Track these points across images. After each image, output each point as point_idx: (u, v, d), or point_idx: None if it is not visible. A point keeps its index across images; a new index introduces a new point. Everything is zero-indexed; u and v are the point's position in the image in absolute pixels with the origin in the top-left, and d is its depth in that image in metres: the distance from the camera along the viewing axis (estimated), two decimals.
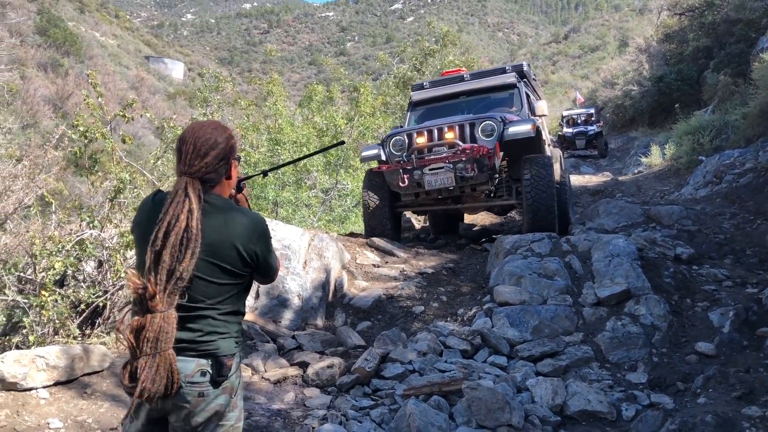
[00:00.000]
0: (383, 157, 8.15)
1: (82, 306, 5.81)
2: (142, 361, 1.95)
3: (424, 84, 9.95)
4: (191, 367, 2.09)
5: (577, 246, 6.75)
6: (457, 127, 7.81)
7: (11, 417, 3.99)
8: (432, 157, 7.71)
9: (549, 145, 10.08)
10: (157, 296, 1.96)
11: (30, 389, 4.26)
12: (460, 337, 5.42)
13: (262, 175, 2.98)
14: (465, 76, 9.69)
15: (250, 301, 6.09)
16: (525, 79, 9.63)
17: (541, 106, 8.69)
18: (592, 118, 24.39)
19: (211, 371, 2.12)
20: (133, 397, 2.00)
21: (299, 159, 3.31)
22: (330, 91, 15.72)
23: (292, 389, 4.84)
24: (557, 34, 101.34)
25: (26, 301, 5.72)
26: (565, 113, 26.01)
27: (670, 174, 15.06)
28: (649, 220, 9.46)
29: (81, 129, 5.78)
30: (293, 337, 5.71)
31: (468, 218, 11.83)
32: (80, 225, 6.21)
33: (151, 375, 1.95)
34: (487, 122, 7.77)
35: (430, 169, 7.62)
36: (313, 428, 4.24)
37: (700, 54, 23.87)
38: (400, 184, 7.73)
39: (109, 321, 6.06)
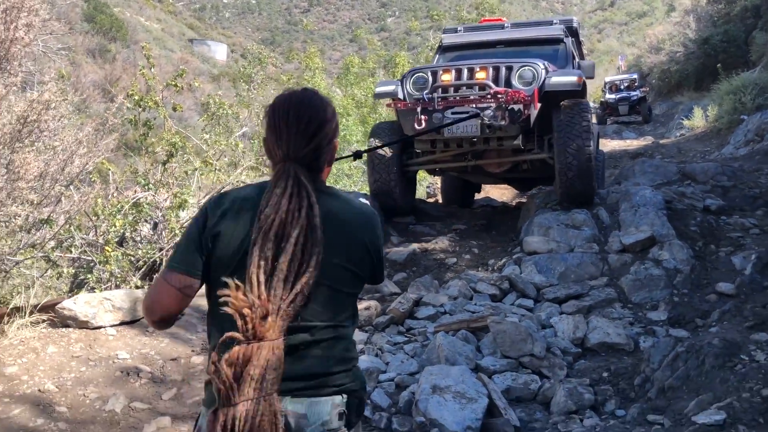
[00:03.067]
0: (400, 95, 7.03)
1: (140, 263, 6.35)
2: (242, 409, 1.45)
3: (458, 28, 8.91)
4: (326, 410, 1.61)
5: (605, 198, 6.98)
6: (491, 68, 6.76)
7: (85, 349, 4.51)
8: (458, 98, 6.74)
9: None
10: (269, 318, 1.50)
11: (99, 327, 4.77)
12: (489, 282, 5.76)
13: (353, 157, 2.70)
14: (506, 24, 8.76)
15: None
16: (573, 38, 8.61)
17: (589, 66, 7.82)
18: (635, 84, 24.12)
19: (347, 411, 1.67)
20: None
21: (400, 140, 3.18)
22: (366, 62, 16.03)
23: None
24: (603, 0, 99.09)
25: (90, 258, 6.28)
26: (607, 79, 25.76)
27: (712, 135, 14.96)
28: (684, 178, 9.56)
29: (136, 98, 6.27)
30: None
31: (484, 193, 10.92)
32: (135, 190, 6.75)
33: (255, 427, 1.46)
34: (527, 67, 6.77)
35: (453, 113, 6.61)
36: None
37: (749, 14, 23.31)
38: (416, 126, 6.65)
39: None
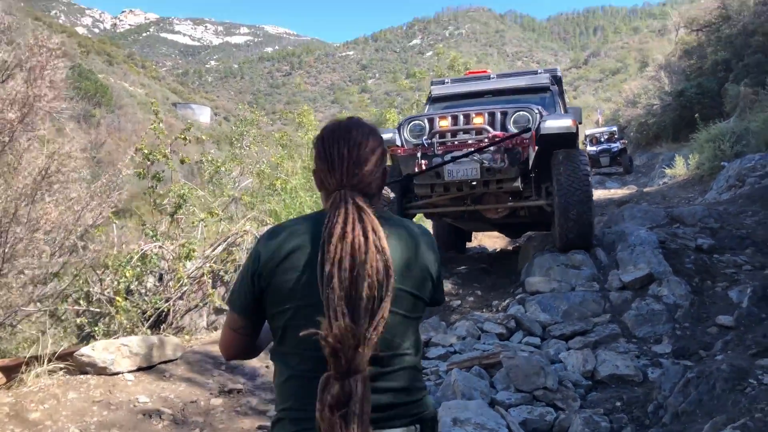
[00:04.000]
0: (398, 142, 7.10)
1: (148, 313, 6.42)
2: None
3: (446, 80, 9.13)
4: None
5: (601, 239, 7.20)
6: (486, 114, 6.86)
7: (105, 394, 4.56)
8: (456, 143, 6.81)
9: None
10: (360, 349, 1.44)
11: (116, 373, 4.83)
12: (496, 322, 5.89)
13: (402, 181, 2.54)
14: (492, 75, 8.97)
15: None
16: (557, 86, 8.79)
17: (577, 111, 7.85)
18: (615, 136, 24.83)
19: None
20: None
21: (472, 152, 3.24)
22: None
23: None
24: (577, 59, 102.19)
25: (97, 310, 6.35)
26: (587, 132, 26.45)
27: (694, 182, 15.38)
28: (673, 221, 9.83)
29: (145, 151, 6.45)
30: None
31: (476, 241, 10.96)
32: (139, 243, 6.85)
33: None
34: (521, 112, 6.87)
35: (452, 157, 6.67)
36: None
37: (720, 67, 24.25)
38: (416, 170, 6.77)
39: (172, 326, 6.64)
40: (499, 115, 6.89)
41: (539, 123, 6.81)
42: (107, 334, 6.09)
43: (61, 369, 4.86)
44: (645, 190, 16.90)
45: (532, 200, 7.22)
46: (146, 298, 6.39)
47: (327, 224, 1.56)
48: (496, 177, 6.76)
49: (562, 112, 8.08)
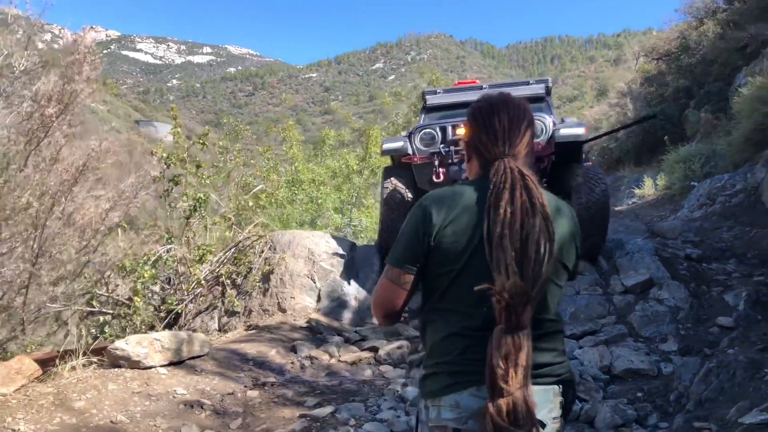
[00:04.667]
0: (409, 151, 7.08)
1: (162, 314, 6.49)
2: (520, 395, 1.51)
3: (438, 90, 9.00)
4: (549, 398, 1.70)
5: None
6: None
7: (143, 386, 4.63)
8: None
9: None
10: (528, 307, 1.55)
11: (149, 367, 4.90)
12: None
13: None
14: (483, 86, 8.82)
15: (312, 303, 6.77)
16: (549, 96, 8.81)
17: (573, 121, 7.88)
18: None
19: (563, 400, 1.75)
20: None
21: (618, 129, 3.36)
22: (342, 135, 16.70)
23: (368, 368, 5.49)
24: None
25: (110, 311, 6.37)
26: None
27: (665, 201, 15.97)
28: (654, 235, 10.26)
29: (164, 155, 6.55)
30: (356, 331, 6.37)
31: None
32: (152, 247, 6.90)
33: (521, 416, 1.50)
34: (536, 120, 6.48)
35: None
36: (397, 391, 4.89)
37: (681, 94, 25.21)
38: (435, 179, 6.76)
39: (184, 328, 6.69)
40: None
41: (553, 131, 6.83)
42: (124, 331, 6.13)
43: (92, 363, 4.92)
44: (617, 208, 17.45)
45: None
46: (163, 299, 6.44)
47: (493, 189, 1.66)
48: None
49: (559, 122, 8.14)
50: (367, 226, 14.55)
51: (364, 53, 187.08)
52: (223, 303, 6.90)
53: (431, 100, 8.73)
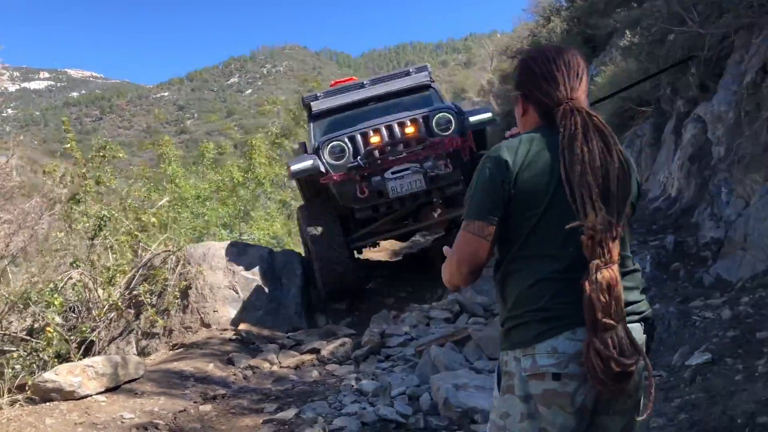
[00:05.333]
0: (322, 169, 6.58)
1: (74, 345, 6.00)
2: (622, 328, 1.55)
3: (318, 95, 8.48)
4: (636, 336, 1.67)
5: None
6: (409, 121, 6.61)
7: (83, 416, 4.28)
8: (395, 157, 6.44)
9: None
10: (617, 242, 1.59)
11: (85, 396, 4.53)
12: (441, 308, 6.22)
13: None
14: (365, 82, 8.41)
15: (236, 314, 6.54)
16: (434, 83, 8.55)
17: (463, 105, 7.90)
18: None
19: (645, 337, 1.75)
20: (602, 382, 1.56)
21: (633, 85, 3.23)
22: (222, 147, 16.26)
23: (314, 369, 5.38)
24: None
25: (15, 349, 5.81)
26: None
27: None
28: None
29: (57, 174, 6.08)
30: (288, 337, 6.24)
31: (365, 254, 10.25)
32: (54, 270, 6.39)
33: (626, 348, 1.54)
34: (442, 114, 6.70)
35: (392, 172, 6.34)
36: (353, 386, 4.83)
37: None
38: (359, 195, 6.39)
39: (100, 354, 6.24)
40: (421, 121, 6.65)
41: (462, 121, 6.73)
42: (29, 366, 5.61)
43: (17, 401, 4.48)
44: None
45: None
46: (72, 327, 5.97)
47: (564, 132, 1.67)
48: (441, 184, 6.61)
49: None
50: (259, 239, 14.22)
51: (218, 68, 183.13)
52: (138, 326, 6.51)
53: (317, 106, 8.20)
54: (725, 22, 5.69)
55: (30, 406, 4.37)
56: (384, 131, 6.57)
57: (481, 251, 1.75)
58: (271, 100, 20.33)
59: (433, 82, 8.46)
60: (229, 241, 7.96)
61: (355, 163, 6.47)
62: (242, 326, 6.29)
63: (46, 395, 4.45)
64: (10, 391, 4.42)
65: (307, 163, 6.67)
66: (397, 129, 6.58)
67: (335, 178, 6.51)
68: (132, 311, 6.60)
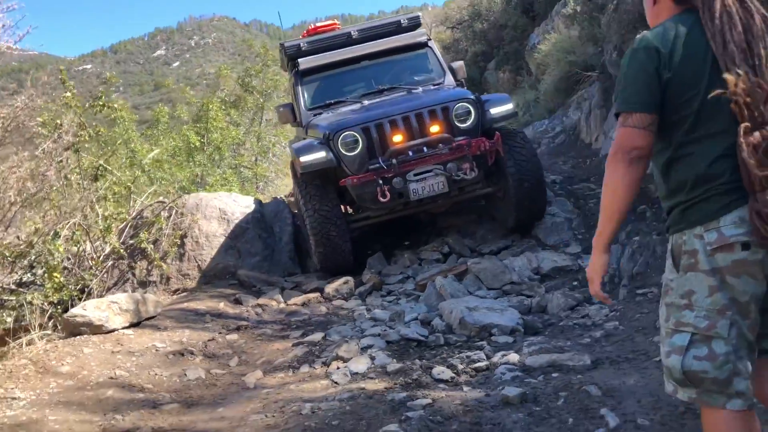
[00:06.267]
0: (334, 162, 6.11)
1: (75, 293, 6.07)
2: None
3: (300, 43, 7.58)
4: None
5: None
6: (441, 115, 6.17)
7: (117, 347, 4.44)
8: (417, 158, 5.98)
9: None
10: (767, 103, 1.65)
11: (112, 330, 4.68)
12: (431, 249, 6.57)
13: None
14: (352, 33, 7.57)
15: (233, 261, 6.71)
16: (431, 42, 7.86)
17: (461, 66, 7.43)
18: None
19: None
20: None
21: None
22: (177, 111, 16.07)
23: (320, 305, 5.64)
24: None
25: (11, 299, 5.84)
26: None
27: None
28: None
29: (53, 123, 6.08)
30: (286, 280, 6.47)
31: None
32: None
33: None
34: (461, 103, 6.24)
35: (415, 174, 5.94)
36: (366, 315, 5.14)
37: (479, 58, 27.30)
38: (380, 198, 5.88)
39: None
40: (440, 113, 6.17)
41: (482, 112, 6.31)
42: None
43: (46, 336, 4.59)
44: None
45: (479, 191, 6.61)
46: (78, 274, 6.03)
47: (703, 7, 1.75)
48: (462, 185, 6.22)
49: (446, 68, 7.57)
50: None
51: (143, 40, 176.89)
52: (133, 275, 6.61)
53: (305, 63, 7.34)
54: None
55: (62, 340, 4.49)
56: (401, 124, 6.11)
57: (645, 141, 1.79)
58: (223, 68, 19.96)
59: (430, 40, 7.82)
60: (221, 192, 8.07)
61: (377, 165, 5.98)
62: (242, 272, 6.47)
63: (75, 329, 4.57)
64: (41, 326, 4.51)
65: (320, 155, 6.12)
66: (416, 125, 6.11)
67: (354, 181, 5.98)
68: (125, 261, 6.68)
